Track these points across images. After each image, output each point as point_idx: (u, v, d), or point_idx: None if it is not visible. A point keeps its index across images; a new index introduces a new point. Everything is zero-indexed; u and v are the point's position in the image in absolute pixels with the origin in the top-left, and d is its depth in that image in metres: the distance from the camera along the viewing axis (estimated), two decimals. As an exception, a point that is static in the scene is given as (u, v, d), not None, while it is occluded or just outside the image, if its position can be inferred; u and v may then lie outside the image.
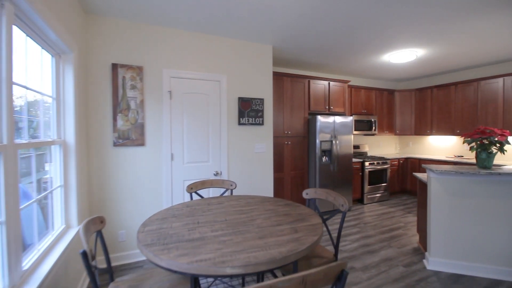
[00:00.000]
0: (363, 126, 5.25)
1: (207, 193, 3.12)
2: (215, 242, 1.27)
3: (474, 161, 4.52)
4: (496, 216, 2.42)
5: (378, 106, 5.60)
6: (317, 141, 4.17)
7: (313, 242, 1.26)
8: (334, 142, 4.32)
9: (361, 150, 5.64)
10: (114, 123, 2.67)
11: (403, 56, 4.03)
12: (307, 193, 2.06)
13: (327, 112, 4.56)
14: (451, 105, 5.05)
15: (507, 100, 4.27)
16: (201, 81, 3.08)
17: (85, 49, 2.56)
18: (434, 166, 2.64)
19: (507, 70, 4.53)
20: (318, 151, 4.18)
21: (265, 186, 3.49)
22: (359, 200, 5.03)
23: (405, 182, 5.62)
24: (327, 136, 4.27)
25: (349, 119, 4.51)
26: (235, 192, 3.28)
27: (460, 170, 2.37)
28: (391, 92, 5.78)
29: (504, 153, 2.33)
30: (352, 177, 4.60)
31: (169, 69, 2.90)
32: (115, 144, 2.68)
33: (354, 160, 4.84)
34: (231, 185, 2.42)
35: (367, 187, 4.94)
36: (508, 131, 2.39)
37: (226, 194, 3.09)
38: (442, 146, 5.54)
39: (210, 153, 3.14)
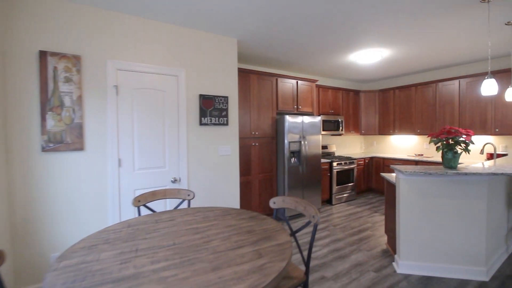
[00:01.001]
0: (330, 126, 5.22)
1: (163, 205, 2.74)
2: (153, 280, 0.96)
3: (433, 159, 4.70)
4: (462, 215, 2.41)
5: (345, 107, 5.62)
6: (286, 142, 3.99)
7: (281, 271, 1.02)
8: (302, 142, 4.18)
9: (329, 150, 5.61)
10: (42, 124, 2.19)
11: (369, 56, 4.02)
12: (275, 202, 1.82)
13: (295, 112, 4.41)
14: (412, 106, 5.22)
15: (462, 101, 4.48)
16: (156, 76, 2.70)
17: (2, 31, 2.05)
18: (402, 167, 2.57)
19: (462, 73, 4.78)
20: (286, 152, 4.00)
21: (230, 192, 3.21)
22: (328, 201, 4.97)
23: (370, 181, 5.71)
24: (295, 137, 4.11)
25: (317, 119, 4.41)
26: (196, 202, 2.95)
27: (429, 171, 2.32)
28: (356, 92, 5.85)
29: (469, 153, 2.32)
30: (320, 178, 4.50)
31: (115, 60, 2.48)
32: (44, 149, 2.19)
33: (322, 160, 4.76)
34: (189, 195, 2.09)
35: (335, 188, 4.90)
36: (472, 130, 2.41)
37: (183, 206, 2.75)
38: (404, 145, 5.73)
39: (166, 157, 2.77)
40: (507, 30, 3.06)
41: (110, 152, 2.45)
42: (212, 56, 3.06)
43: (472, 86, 4.35)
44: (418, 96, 5.11)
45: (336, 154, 5.88)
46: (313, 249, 3.08)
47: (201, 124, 2.94)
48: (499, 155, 4.12)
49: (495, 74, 4.05)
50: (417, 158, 4.92)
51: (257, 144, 3.91)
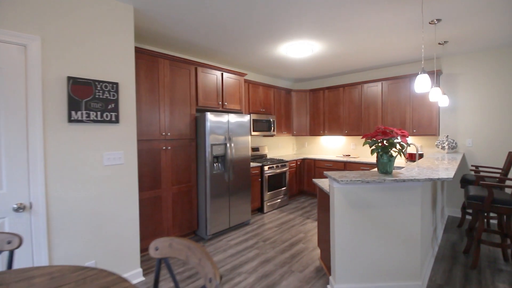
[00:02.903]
0: (262, 126, 4.75)
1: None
2: None
3: (359, 160, 4.69)
4: (399, 225, 2.14)
5: (277, 105, 5.25)
6: (208, 144, 3.30)
7: None
8: (228, 145, 3.55)
9: (261, 152, 5.16)
10: None
11: (300, 50, 3.66)
12: (157, 248, 1.11)
13: (220, 109, 3.75)
14: (340, 107, 5.18)
15: (384, 103, 4.58)
16: (-21, 41, 1.66)
17: None
18: (337, 174, 2.18)
19: (385, 75, 4.91)
20: (208, 156, 3.31)
21: (125, 216, 2.33)
22: (259, 209, 4.48)
23: (302, 183, 5.50)
24: (220, 138, 3.45)
25: (246, 118, 3.85)
26: (66, 241, 1.98)
27: (366, 179, 1.96)
28: (288, 91, 5.57)
29: (405, 156, 2.05)
30: (250, 184, 3.97)
31: None
32: None
33: (252, 164, 4.24)
34: (9, 243, 1.19)
35: (267, 194, 4.45)
36: (406, 131, 2.18)
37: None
38: (333, 146, 5.71)
39: (3, 173, 1.74)
40: (431, 30, 3.04)
41: None
42: (92, 24, 2.14)
43: (393, 88, 4.46)
44: (346, 97, 5.09)
45: (268, 157, 5.49)
46: (238, 279, 2.47)
47: (70, 120, 1.99)
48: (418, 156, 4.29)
49: (416, 76, 4.21)
50: (345, 159, 4.87)
51: (169, 148, 3.10)
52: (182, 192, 3.23)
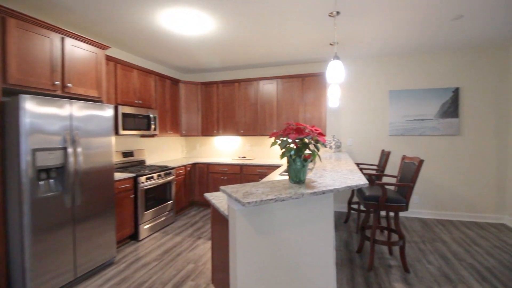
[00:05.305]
0: (138, 123, 3.58)
1: None
2: None
3: (256, 162, 4.29)
4: (314, 245, 1.66)
5: (159, 98, 4.18)
6: (24, 150, 1.93)
7: None
8: (71, 150, 2.27)
9: (137, 157, 3.94)
10: None
11: (187, 23, 2.82)
12: None
13: (58, 92, 2.39)
14: (236, 104, 4.67)
15: (279, 102, 4.36)
16: None
17: None
18: (240, 191, 1.49)
19: (279, 73, 4.72)
20: (27, 170, 1.95)
21: None
22: (133, 236, 3.30)
23: (193, 193, 4.64)
24: (53, 140, 2.14)
25: (109, 110, 2.65)
26: None
27: (281, 196, 1.35)
28: (175, 82, 4.58)
29: (320, 159, 1.58)
30: (114, 205, 2.78)
31: None
32: None
33: (120, 176, 3.03)
34: None
35: (144, 214, 3.33)
36: (320, 129, 1.77)
37: None
38: (228, 147, 5.15)
39: None
40: (329, 23, 2.85)
41: None
42: None
43: (288, 87, 4.30)
44: (242, 94, 4.62)
45: (148, 163, 4.32)
46: None
47: None
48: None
49: (310, 77, 4.15)
50: (241, 162, 4.38)
51: None
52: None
